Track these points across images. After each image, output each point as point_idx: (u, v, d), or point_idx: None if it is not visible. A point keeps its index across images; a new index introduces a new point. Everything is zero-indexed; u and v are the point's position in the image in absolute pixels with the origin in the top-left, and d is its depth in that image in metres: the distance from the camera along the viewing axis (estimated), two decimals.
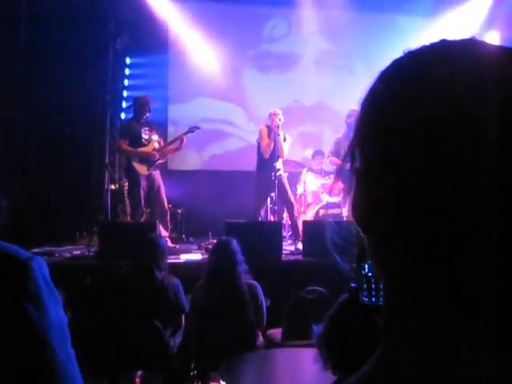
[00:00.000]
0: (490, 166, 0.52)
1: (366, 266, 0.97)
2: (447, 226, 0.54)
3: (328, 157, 9.15)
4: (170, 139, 9.40)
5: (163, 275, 5.19)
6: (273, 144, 8.34)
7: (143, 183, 8.25)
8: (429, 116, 0.54)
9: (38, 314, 0.95)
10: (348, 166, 0.64)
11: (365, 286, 0.98)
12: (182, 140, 8.51)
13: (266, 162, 8.42)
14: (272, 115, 8.40)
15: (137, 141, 8.28)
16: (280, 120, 8.34)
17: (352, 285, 2.09)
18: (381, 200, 0.58)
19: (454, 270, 0.54)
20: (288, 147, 8.64)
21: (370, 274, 0.98)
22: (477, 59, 0.57)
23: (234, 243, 5.03)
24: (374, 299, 0.96)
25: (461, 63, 0.57)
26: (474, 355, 0.54)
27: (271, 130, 8.47)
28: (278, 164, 8.47)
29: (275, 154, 8.35)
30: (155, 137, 8.50)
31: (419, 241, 0.55)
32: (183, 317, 5.27)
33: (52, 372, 0.95)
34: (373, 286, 0.96)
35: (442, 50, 0.60)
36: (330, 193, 9.29)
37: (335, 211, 9.23)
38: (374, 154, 0.59)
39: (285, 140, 8.54)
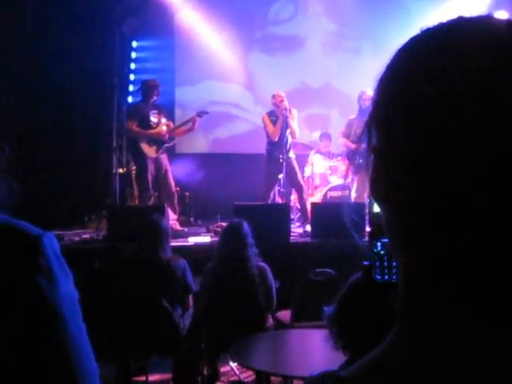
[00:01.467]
0: None
1: (379, 244, 0.97)
2: (467, 200, 0.54)
3: (338, 138, 9.13)
4: (177, 122, 9.40)
5: (169, 256, 5.22)
6: (280, 127, 8.33)
7: (151, 166, 8.25)
8: (452, 91, 0.54)
9: (50, 287, 0.96)
10: (362, 146, 0.64)
11: (377, 264, 0.98)
12: (195, 121, 8.49)
13: (275, 145, 8.42)
14: (277, 97, 8.38)
15: (145, 123, 8.28)
16: (283, 102, 8.31)
17: (365, 263, 2.09)
18: (400, 175, 0.58)
19: (472, 243, 0.54)
20: (297, 124, 8.62)
21: (382, 252, 0.98)
22: (496, 32, 0.57)
23: (245, 225, 5.05)
24: (386, 277, 0.97)
25: (480, 37, 0.56)
26: (492, 336, 0.55)
27: (273, 115, 8.47)
28: (287, 146, 8.46)
29: (284, 137, 8.35)
30: (163, 120, 8.49)
31: (438, 214, 0.56)
32: (191, 297, 5.29)
33: (64, 343, 0.96)
34: (385, 264, 0.97)
35: (460, 25, 0.59)
36: (345, 177, 9.24)
37: (343, 193, 9.23)
38: (393, 130, 0.59)
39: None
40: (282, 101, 8.32)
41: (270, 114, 8.57)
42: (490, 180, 0.53)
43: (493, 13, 0.60)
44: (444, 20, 0.60)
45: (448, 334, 0.56)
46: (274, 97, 8.46)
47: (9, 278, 0.94)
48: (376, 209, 0.68)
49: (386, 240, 0.66)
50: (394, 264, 0.85)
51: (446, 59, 0.56)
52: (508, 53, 0.54)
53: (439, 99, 0.55)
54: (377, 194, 0.62)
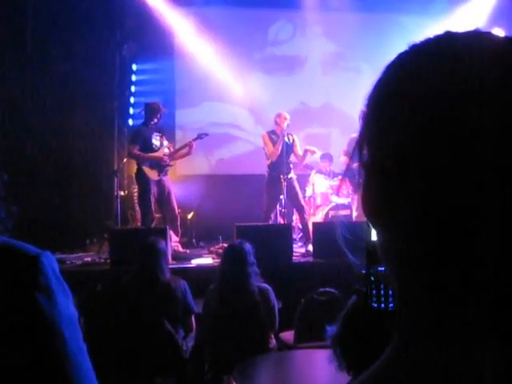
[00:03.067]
0: (499, 151, 0.52)
1: (375, 272, 0.97)
2: (461, 214, 0.53)
3: (340, 156, 9.17)
4: (177, 144, 9.43)
5: (168, 277, 5.21)
6: (280, 147, 8.37)
7: (153, 189, 8.26)
8: (435, 106, 0.55)
9: (50, 306, 0.96)
10: (355, 164, 0.65)
11: (373, 292, 0.98)
12: (192, 146, 8.53)
13: (275, 165, 8.44)
14: (280, 117, 8.44)
15: (147, 146, 8.30)
16: (288, 124, 8.39)
17: (357, 287, 2.10)
18: (391, 191, 0.58)
19: (465, 259, 0.54)
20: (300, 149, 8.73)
21: (378, 280, 0.98)
22: (481, 48, 0.58)
23: (247, 246, 5.05)
24: (382, 305, 0.97)
25: (465, 52, 0.57)
26: (487, 346, 0.54)
27: (274, 135, 8.52)
28: (288, 167, 8.50)
29: (284, 157, 8.37)
30: (165, 142, 8.54)
31: (431, 229, 0.55)
32: (193, 318, 5.28)
33: (63, 361, 0.96)
34: (381, 292, 0.97)
35: (447, 40, 0.60)
36: (338, 193, 9.28)
37: (345, 212, 9.23)
38: (382, 146, 0.59)
39: (293, 143, 8.60)
40: (284, 121, 8.37)
41: (271, 132, 8.61)
42: (485, 191, 0.53)
43: (480, 28, 0.61)
44: (431, 36, 0.61)
45: (443, 347, 0.57)
46: (278, 116, 8.52)
47: (8, 296, 0.94)
48: (371, 237, 0.68)
49: (382, 269, 0.65)
50: (391, 293, 0.85)
51: (434, 71, 0.56)
52: (497, 63, 0.55)
53: (429, 112, 0.55)
54: (368, 210, 0.62)
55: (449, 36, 0.61)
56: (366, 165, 0.62)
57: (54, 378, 0.95)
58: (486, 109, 0.53)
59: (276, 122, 8.56)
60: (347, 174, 9.04)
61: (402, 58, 0.61)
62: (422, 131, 0.55)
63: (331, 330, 2.42)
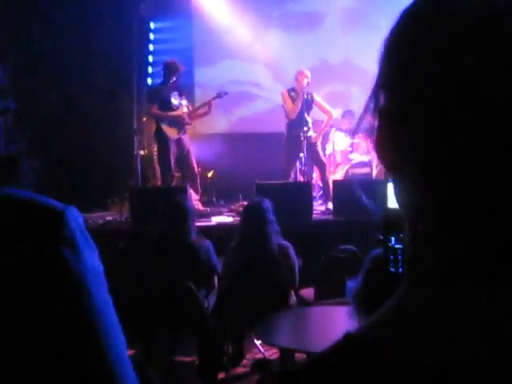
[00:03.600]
0: None
1: (393, 238, 0.98)
2: (471, 157, 0.54)
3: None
4: (197, 103, 9.41)
5: (194, 237, 5.24)
6: (299, 105, 8.32)
7: (173, 147, 8.27)
8: (456, 50, 0.54)
9: (75, 259, 0.97)
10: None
11: (391, 257, 0.98)
12: (211, 105, 8.50)
13: (294, 123, 8.41)
14: (301, 75, 8.38)
15: (166, 105, 8.28)
16: (308, 82, 8.34)
17: (380, 237, 2.11)
18: (406, 135, 0.58)
19: (474, 204, 0.55)
20: (326, 104, 8.69)
21: (396, 246, 0.98)
22: None
23: (266, 203, 5.06)
24: (401, 269, 0.97)
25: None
26: (495, 287, 0.56)
27: (294, 92, 8.46)
28: (308, 124, 8.46)
29: (303, 115, 8.33)
30: (184, 101, 8.51)
31: (444, 174, 0.56)
32: (216, 278, 5.32)
33: (89, 314, 0.97)
34: (399, 257, 0.97)
35: None
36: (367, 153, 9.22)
37: (365, 170, 9.20)
38: (399, 91, 0.59)
39: (312, 101, 8.54)
40: (304, 78, 8.31)
41: (290, 90, 8.56)
42: (492, 140, 0.53)
43: None
44: None
45: (449, 290, 0.58)
46: (299, 73, 8.45)
47: (34, 250, 0.95)
48: (389, 204, 0.68)
49: (400, 234, 0.66)
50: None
51: (447, 18, 0.55)
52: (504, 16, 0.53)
53: (439, 61, 0.55)
54: (382, 156, 0.63)
55: None
56: (381, 112, 0.62)
57: (80, 330, 0.97)
58: (497, 65, 0.52)
59: (296, 79, 8.50)
60: (367, 130, 9.00)
61: (418, 2, 0.60)
62: (443, 78, 0.54)
63: (352, 284, 2.43)
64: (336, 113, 9.28)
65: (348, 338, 0.63)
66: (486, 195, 0.54)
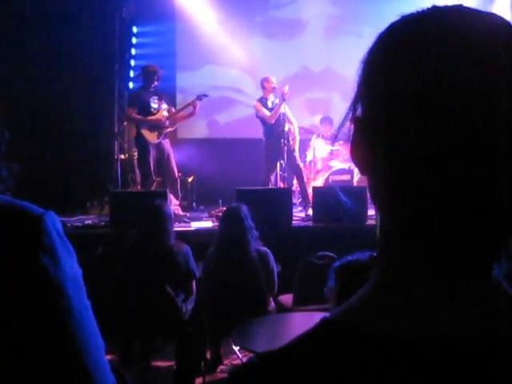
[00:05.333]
0: (482, 125, 0.60)
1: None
2: (427, 167, 0.62)
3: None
4: (178, 107, 9.39)
5: (172, 242, 5.23)
6: (279, 110, 8.37)
7: (153, 152, 8.26)
8: (417, 76, 0.63)
9: (53, 265, 0.97)
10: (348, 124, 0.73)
11: None
12: (195, 105, 8.49)
13: (273, 129, 8.44)
14: (264, 83, 8.50)
15: (146, 110, 8.28)
16: (274, 87, 8.45)
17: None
18: (377, 142, 0.67)
19: (432, 206, 0.63)
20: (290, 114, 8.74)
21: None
22: (464, 23, 0.65)
23: (244, 209, 5.07)
24: None
25: (448, 26, 0.64)
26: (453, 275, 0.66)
27: (264, 100, 8.53)
28: (286, 131, 8.48)
29: (281, 120, 8.37)
30: (164, 105, 8.49)
31: (405, 178, 0.64)
32: (194, 282, 5.31)
33: (68, 320, 0.97)
34: None
35: (432, 14, 0.67)
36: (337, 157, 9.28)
37: (345, 177, 9.24)
38: (372, 103, 0.68)
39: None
40: (270, 85, 8.45)
41: (261, 99, 8.63)
42: (453, 145, 0.61)
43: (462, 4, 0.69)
44: (421, 8, 0.68)
45: (421, 277, 0.66)
46: (265, 80, 8.54)
47: (12, 256, 0.95)
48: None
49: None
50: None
51: (412, 47, 0.64)
52: (466, 44, 0.62)
53: (401, 85, 0.64)
54: (356, 160, 0.71)
55: (434, 10, 0.68)
56: (357, 119, 0.70)
57: (59, 336, 0.97)
58: (466, 85, 0.61)
59: (263, 87, 8.59)
60: (347, 137, 9.05)
61: (391, 29, 0.69)
62: (406, 98, 0.63)
63: (330, 283, 2.46)
64: (315, 119, 9.32)
65: (324, 321, 0.70)
66: (443, 197, 0.63)
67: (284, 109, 8.44)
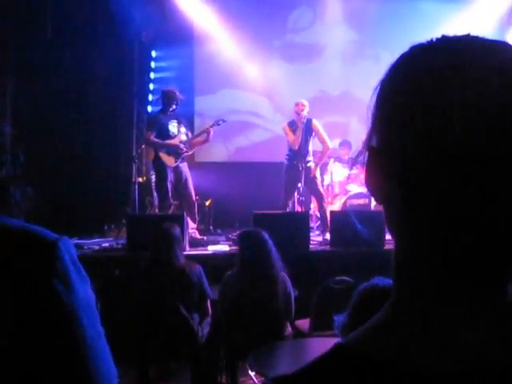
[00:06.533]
0: (490, 154, 0.62)
1: None
2: (441, 197, 0.64)
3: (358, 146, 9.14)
4: (196, 131, 9.43)
5: (182, 262, 5.22)
6: (300, 136, 8.33)
7: (170, 175, 8.28)
8: (428, 108, 0.64)
9: (67, 292, 0.96)
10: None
11: None
12: (209, 132, 8.52)
13: (294, 153, 8.42)
14: (299, 105, 8.39)
15: (164, 133, 8.31)
16: (307, 112, 8.34)
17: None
18: (390, 172, 0.69)
19: (440, 237, 0.65)
20: (324, 133, 8.67)
21: None
22: (473, 52, 0.66)
23: (264, 233, 5.06)
24: None
25: (457, 57, 0.66)
26: (471, 301, 0.66)
27: (294, 125, 8.47)
28: (308, 155, 8.47)
29: (303, 145, 8.35)
30: (183, 129, 8.52)
31: (420, 208, 0.66)
32: (208, 302, 5.29)
33: (81, 348, 0.96)
34: None
35: (441, 44, 0.69)
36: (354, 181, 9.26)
37: (362, 201, 9.21)
38: (385, 135, 0.70)
39: (312, 128, 8.53)
40: (303, 109, 8.32)
41: (291, 123, 8.56)
42: (468, 177, 0.63)
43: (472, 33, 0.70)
44: (430, 38, 0.70)
45: (436, 303, 0.67)
46: (296, 105, 8.47)
47: (26, 283, 0.94)
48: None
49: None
50: None
51: (422, 79, 0.66)
52: (475, 75, 0.64)
53: (413, 114, 0.65)
54: (372, 190, 0.73)
55: (444, 40, 0.70)
56: (371, 149, 0.72)
57: (72, 364, 0.96)
58: (479, 112, 0.62)
59: (295, 112, 8.52)
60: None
61: (401, 60, 0.72)
62: (413, 131, 0.65)
63: (339, 319, 2.42)
64: (333, 143, 9.31)
65: (338, 346, 0.70)
66: (459, 226, 0.64)
67: (313, 125, 8.41)
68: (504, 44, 0.68)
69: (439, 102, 0.64)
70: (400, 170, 0.67)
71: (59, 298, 0.95)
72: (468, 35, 0.69)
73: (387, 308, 0.72)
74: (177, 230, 5.48)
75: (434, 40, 0.70)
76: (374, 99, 0.73)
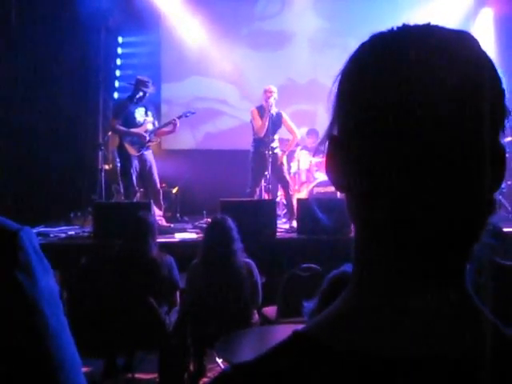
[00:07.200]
0: (438, 148, 0.65)
1: None
2: (392, 184, 0.66)
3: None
4: (163, 117, 9.39)
5: (155, 253, 5.21)
6: (267, 123, 8.33)
7: (135, 163, 8.25)
8: (379, 99, 0.66)
9: (29, 283, 0.95)
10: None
11: None
12: (175, 124, 8.51)
13: (261, 141, 8.42)
14: (267, 92, 8.39)
15: (130, 121, 8.26)
16: (274, 98, 8.35)
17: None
18: (352, 163, 0.70)
19: (394, 221, 0.68)
20: (292, 123, 8.71)
21: None
22: (431, 44, 0.67)
23: (230, 221, 5.05)
24: None
25: (416, 47, 0.67)
26: (421, 287, 0.68)
27: (263, 110, 8.47)
28: (274, 142, 8.48)
29: (269, 132, 8.35)
30: (150, 118, 8.47)
31: (377, 194, 0.68)
32: (178, 294, 5.29)
33: (44, 338, 0.95)
34: None
35: (400, 35, 0.70)
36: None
37: (329, 189, 9.24)
38: (344, 125, 0.72)
39: (280, 118, 8.55)
40: (270, 96, 8.32)
41: (259, 108, 8.55)
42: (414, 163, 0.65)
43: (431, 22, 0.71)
44: (391, 27, 0.71)
45: (394, 292, 0.69)
46: (265, 91, 8.46)
47: None
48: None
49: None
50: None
51: (379, 69, 0.68)
52: (429, 68, 0.65)
53: (369, 105, 0.67)
54: (332, 178, 0.74)
55: (403, 30, 0.71)
56: (331, 138, 0.74)
57: (35, 356, 0.95)
58: (429, 107, 0.64)
59: (264, 99, 8.52)
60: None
61: (360, 50, 0.72)
62: (370, 119, 0.67)
63: (308, 305, 2.44)
64: (301, 131, 9.34)
65: (295, 334, 0.72)
66: (412, 210, 0.66)
67: (275, 118, 8.43)
68: (463, 34, 0.69)
69: (398, 92, 0.65)
70: (360, 160, 0.69)
71: (21, 288, 0.94)
72: (428, 24, 0.70)
73: (346, 296, 0.73)
74: (152, 219, 5.47)
75: (395, 29, 0.71)
76: (335, 89, 0.74)
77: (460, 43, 0.68)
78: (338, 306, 0.73)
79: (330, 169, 0.74)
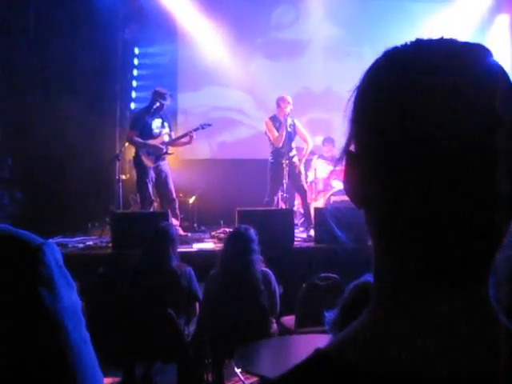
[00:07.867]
0: (455, 161, 0.64)
1: None
2: (415, 202, 0.66)
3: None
4: (179, 127, 9.41)
5: (175, 264, 5.21)
6: (284, 133, 8.34)
7: (151, 174, 8.29)
8: (397, 116, 0.66)
9: (51, 297, 0.95)
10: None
11: None
12: (192, 136, 8.53)
13: (278, 150, 8.43)
14: (283, 102, 8.40)
15: (147, 132, 8.30)
16: (290, 109, 8.36)
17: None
18: (373, 179, 0.69)
19: (415, 238, 0.67)
20: (305, 131, 8.72)
21: None
22: (444, 58, 0.67)
23: (252, 232, 5.05)
24: None
25: (429, 62, 0.67)
26: (447, 303, 0.67)
27: (276, 120, 8.48)
28: (292, 151, 8.49)
29: (287, 142, 8.36)
30: (166, 129, 8.51)
31: (397, 213, 0.67)
32: (197, 305, 5.29)
33: (66, 353, 0.95)
34: None
35: (414, 51, 0.70)
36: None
37: (346, 198, 9.18)
38: (361, 141, 0.72)
39: (294, 126, 8.56)
40: (287, 105, 8.34)
41: (273, 118, 8.57)
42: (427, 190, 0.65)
43: (450, 37, 0.71)
44: (404, 42, 0.71)
45: (414, 305, 0.68)
46: (281, 99, 8.47)
47: (10, 288, 0.93)
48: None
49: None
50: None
51: (394, 86, 0.68)
52: (445, 83, 0.65)
53: (400, 118, 0.66)
54: (350, 194, 0.74)
55: (417, 45, 0.71)
56: (350, 154, 0.74)
57: (58, 370, 0.95)
58: (448, 122, 0.64)
59: (279, 106, 8.52)
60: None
61: (376, 66, 0.73)
62: (397, 139, 0.66)
63: (329, 315, 2.42)
64: (317, 140, 9.32)
65: (318, 352, 0.71)
66: (434, 227, 0.66)
67: (290, 128, 8.44)
68: (477, 47, 0.69)
69: (414, 111, 0.65)
70: (383, 175, 0.68)
71: (44, 304, 0.94)
72: (441, 39, 0.71)
73: (367, 312, 0.72)
74: (173, 230, 5.47)
75: (408, 45, 0.71)
76: (351, 105, 0.74)
77: (474, 57, 0.68)
78: (360, 323, 0.72)
79: (347, 184, 0.74)
